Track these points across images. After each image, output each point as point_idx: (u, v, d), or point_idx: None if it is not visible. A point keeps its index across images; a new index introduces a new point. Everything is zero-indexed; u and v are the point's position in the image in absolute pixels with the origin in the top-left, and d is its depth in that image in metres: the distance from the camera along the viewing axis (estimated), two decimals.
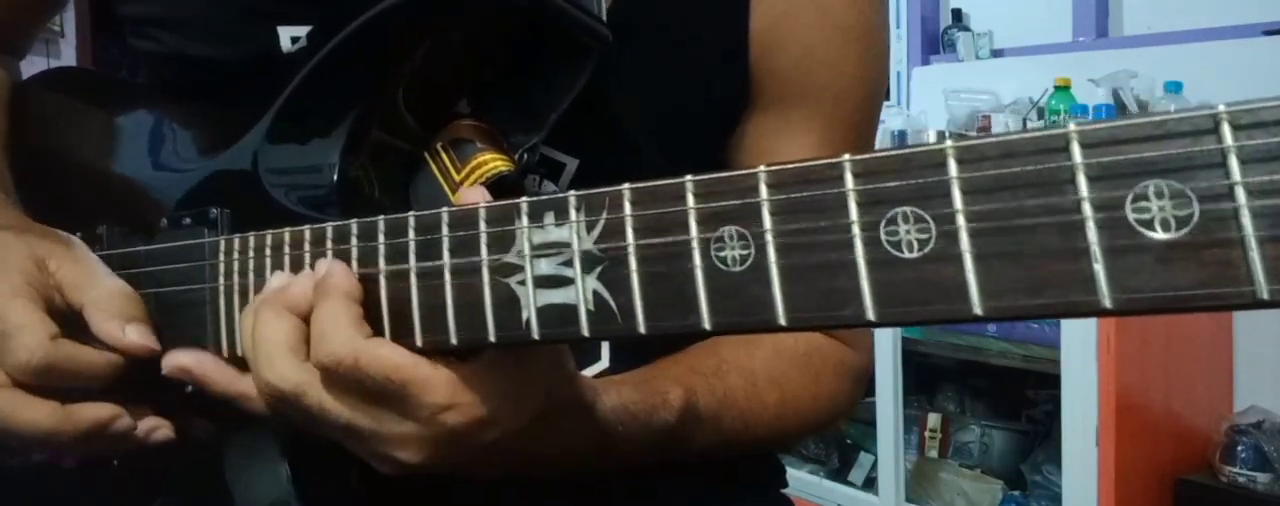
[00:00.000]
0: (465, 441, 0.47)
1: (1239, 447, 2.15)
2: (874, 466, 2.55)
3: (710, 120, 0.70)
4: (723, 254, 0.37)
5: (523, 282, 0.43)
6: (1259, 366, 2.35)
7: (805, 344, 0.69)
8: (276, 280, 0.52)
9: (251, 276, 0.56)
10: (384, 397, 0.47)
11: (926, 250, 0.33)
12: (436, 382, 0.46)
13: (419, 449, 0.48)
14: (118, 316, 0.56)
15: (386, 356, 0.46)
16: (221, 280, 0.57)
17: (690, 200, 0.38)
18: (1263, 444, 2.13)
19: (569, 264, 0.41)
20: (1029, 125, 2.73)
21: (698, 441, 0.62)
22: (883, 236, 0.34)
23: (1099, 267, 0.30)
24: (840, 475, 2.68)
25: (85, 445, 0.56)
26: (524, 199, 0.43)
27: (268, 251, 0.55)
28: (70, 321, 0.56)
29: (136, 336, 0.56)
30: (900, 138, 2.93)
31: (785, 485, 0.81)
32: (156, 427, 0.58)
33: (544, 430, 0.50)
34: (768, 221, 0.36)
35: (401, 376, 0.46)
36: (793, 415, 0.67)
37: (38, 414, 0.54)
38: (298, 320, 0.49)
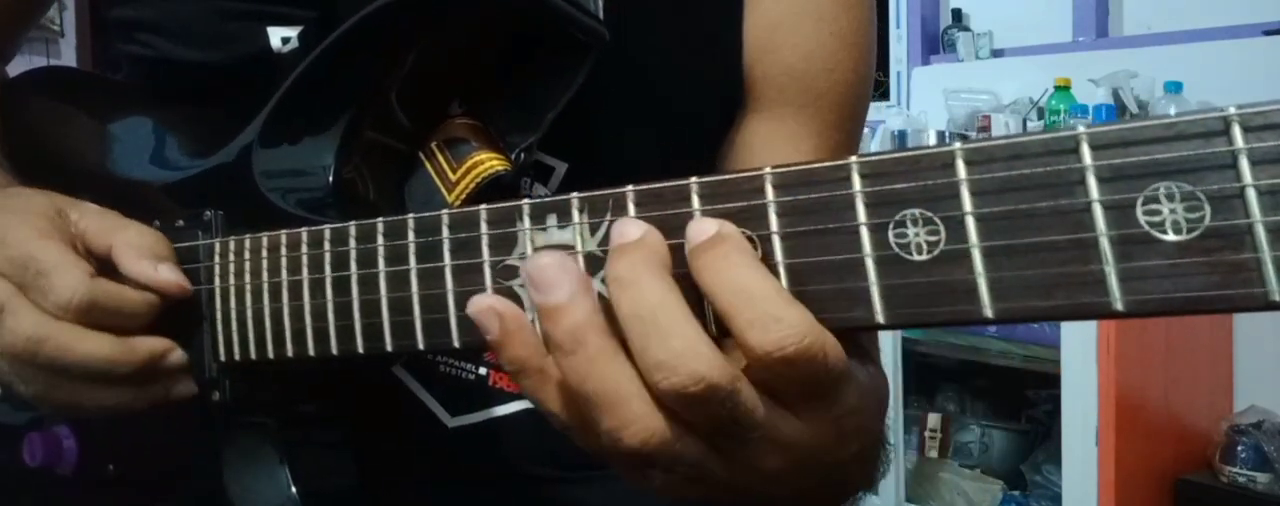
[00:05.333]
0: (837, 452, 0.40)
1: (1239, 447, 2.15)
2: None
3: (702, 124, 0.70)
4: None
5: (525, 285, 0.42)
6: (1259, 366, 2.35)
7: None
8: (632, 228, 0.38)
9: (247, 278, 0.55)
10: (813, 394, 0.37)
11: (936, 252, 0.32)
12: (855, 381, 0.38)
13: (794, 454, 0.39)
14: (149, 255, 0.55)
15: (835, 341, 0.36)
16: (217, 282, 0.57)
17: (695, 202, 0.38)
18: (1263, 444, 2.13)
19: None
20: (1029, 125, 2.73)
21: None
22: (891, 238, 0.33)
23: (1110, 270, 0.30)
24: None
25: (139, 382, 0.55)
26: (525, 200, 0.43)
27: (264, 253, 0.54)
28: (99, 267, 0.56)
29: (169, 273, 0.55)
30: (900, 138, 2.93)
31: None
32: (182, 381, 0.57)
33: (873, 455, 0.45)
34: (774, 223, 0.36)
35: (844, 367, 0.37)
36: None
37: (98, 343, 0.53)
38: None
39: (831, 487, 0.44)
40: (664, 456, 0.38)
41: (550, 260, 0.38)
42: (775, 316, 0.34)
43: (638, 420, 0.37)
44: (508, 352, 0.40)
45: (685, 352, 0.35)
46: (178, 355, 0.56)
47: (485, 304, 0.40)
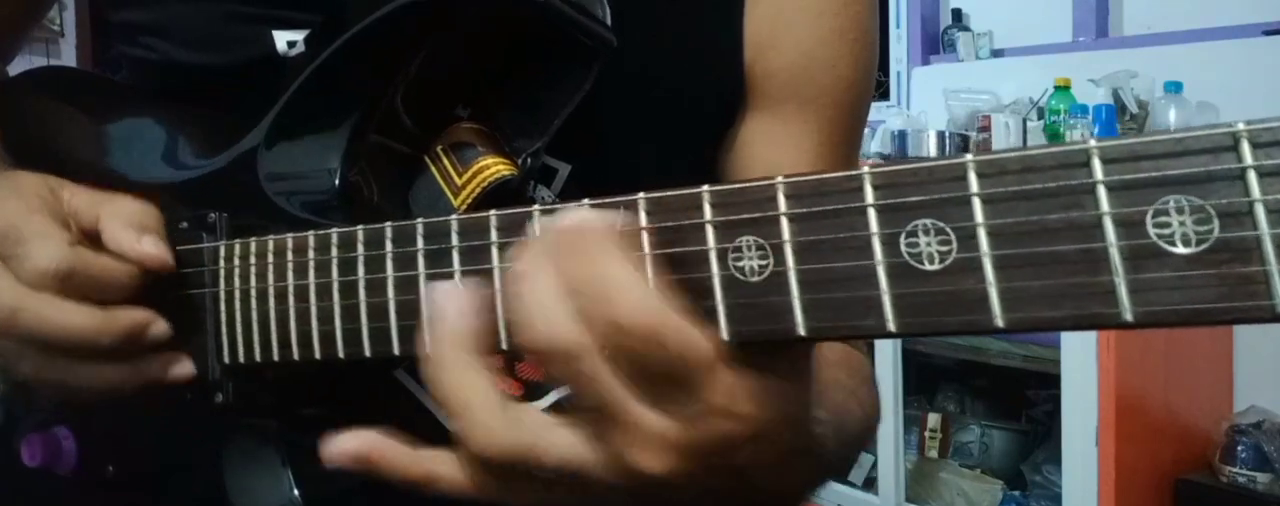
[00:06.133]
0: (716, 458, 0.40)
1: (1239, 447, 2.16)
2: (874, 466, 2.55)
3: (704, 123, 0.70)
4: (741, 263, 0.37)
5: None
6: (1259, 366, 2.36)
7: (843, 353, 0.66)
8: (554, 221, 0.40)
9: (253, 281, 0.55)
10: (664, 381, 0.39)
11: (947, 262, 0.33)
12: (725, 381, 0.39)
13: (669, 457, 0.40)
14: (134, 226, 0.55)
15: (693, 332, 0.38)
16: (222, 285, 0.57)
17: (707, 211, 0.38)
18: (1263, 444, 2.13)
19: None
20: (1029, 125, 2.73)
21: (834, 470, 0.57)
22: (903, 248, 0.34)
23: (1120, 281, 0.30)
24: (840, 475, 2.69)
25: (122, 357, 0.55)
26: (536, 207, 0.43)
27: (270, 257, 0.54)
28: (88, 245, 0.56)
29: (151, 246, 0.55)
30: (900, 138, 2.94)
31: None
32: (179, 360, 0.57)
33: (786, 466, 0.44)
34: (786, 232, 0.36)
35: (699, 360, 0.38)
36: (867, 430, 0.63)
37: (78, 316, 0.53)
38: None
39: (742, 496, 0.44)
40: (513, 463, 0.41)
41: (442, 287, 0.43)
42: (615, 295, 0.38)
43: (480, 426, 0.41)
44: (389, 479, 0.45)
45: (536, 313, 0.39)
46: (160, 326, 0.55)
47: (344, 454, 0.45)
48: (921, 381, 2.69)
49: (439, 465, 0.44)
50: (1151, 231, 0.30)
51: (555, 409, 0.43)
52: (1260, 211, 0.28)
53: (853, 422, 0.59)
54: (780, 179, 0.36)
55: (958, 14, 3.27)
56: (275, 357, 0.54)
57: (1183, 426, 2.25)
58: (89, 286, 0.53)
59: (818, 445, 0.47)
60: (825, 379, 0.57)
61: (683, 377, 0.38)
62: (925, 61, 3.28)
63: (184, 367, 0.57)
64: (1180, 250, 0.29)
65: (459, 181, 0.59)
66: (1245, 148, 0.28)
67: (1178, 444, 2.22)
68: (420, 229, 0.47)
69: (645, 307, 0.38)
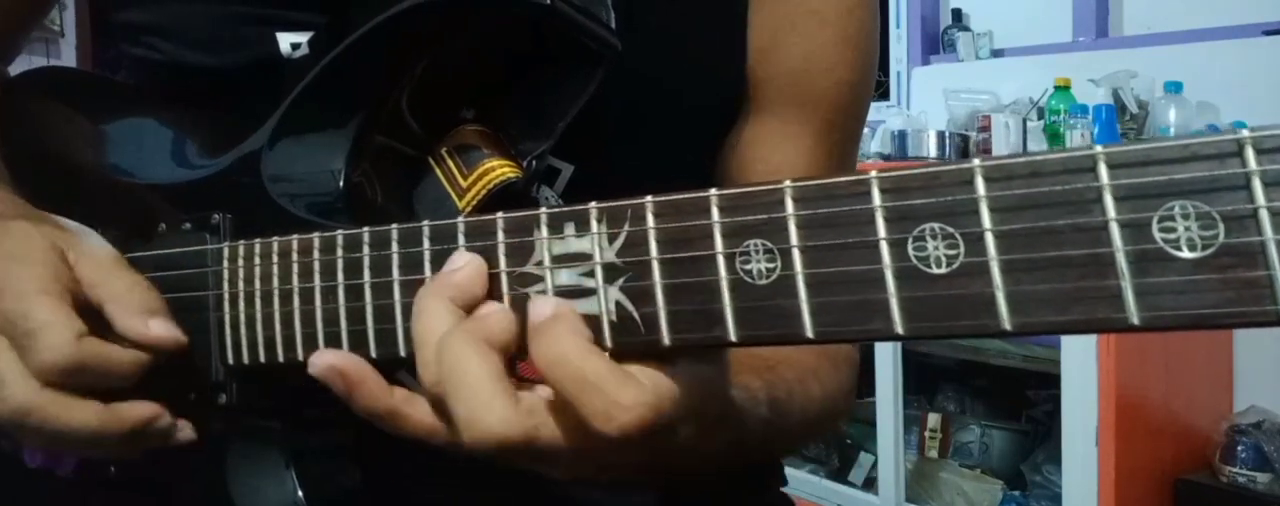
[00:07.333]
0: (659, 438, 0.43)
1: (1239, 447, 2.16)
2: (874, 466, 2.55)
3: (706, 125, 0.71)
4: (748, 267, 0.37)
5: (543, 292, 0.43)
6: (1259, 366, 2.36)
7: None
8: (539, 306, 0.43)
9: (257, 283, 0.55)
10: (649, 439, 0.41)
11: (955, 266, 0.33)
12: (673, 392, 0.41)
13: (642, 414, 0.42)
14: (140, 311, 0.55)
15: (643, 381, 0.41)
16: (226, 287, 0.57)
17: (715, 214, 0.38)
18: (1263, 444, 2.13)
19: (590, 274, 0.41)
20: (1029, 125, 2.73)
21: (774, 438, 0.60)
22: (911, 252, 0.34)
23: (1126, 285, 0.30)
24: (840, 475, 2.69)
25: (128, 445, 0.55)
26: (542, 209, 0.43)
27: (274, 258, 0.54)
28: (92, 315, 0.55)
29: (161, 330, 0.55)
30: (900, 137, 2.94)
31: (784, 483, 0.81)
32: (180, 427, 0.57)
33: (705, 434, 0.47)
34: (794, 236, 0.36)
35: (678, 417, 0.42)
36: (830, 408, 0.66)
37: (85, 414, 0.53)
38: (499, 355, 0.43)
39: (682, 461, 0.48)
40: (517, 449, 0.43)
41: (472, 269, 0.44)
42: (616, 403, 0.39)
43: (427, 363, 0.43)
44: (356, 404, 0.46)
45: (477, 410, 0.41)
46: (165, 420, 0.55)
47: (325, 363, 0.46)
48: (921, 381, 2.69)
49: (406, 404, 0.46)
50: (1157, 236, 0.30)
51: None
52: (1265, 217, 0.28)
53: (806, 401, 0.61)
54: (788, 183, 0.37)
55: (958, 14, 3.27)
56: (279, 359, 0.54)
57: (1183, 426, 2.25)
58: (95, 378, 0.53)
59: (736, 412, 0.50)
60: (773, 358, 0.61)
61: (666, 432, 0.41)
62: (925, 61, 3.28)
63: (185, 432, 0.57)
64: (1186, 255, 0.30)
65: (464, 184, 0.59)
66: (1250, 154, 0.29)
67: (1178, 444, 2.23)
68: (426, 231, 0.47)
69: (643, 399, 0.39)
